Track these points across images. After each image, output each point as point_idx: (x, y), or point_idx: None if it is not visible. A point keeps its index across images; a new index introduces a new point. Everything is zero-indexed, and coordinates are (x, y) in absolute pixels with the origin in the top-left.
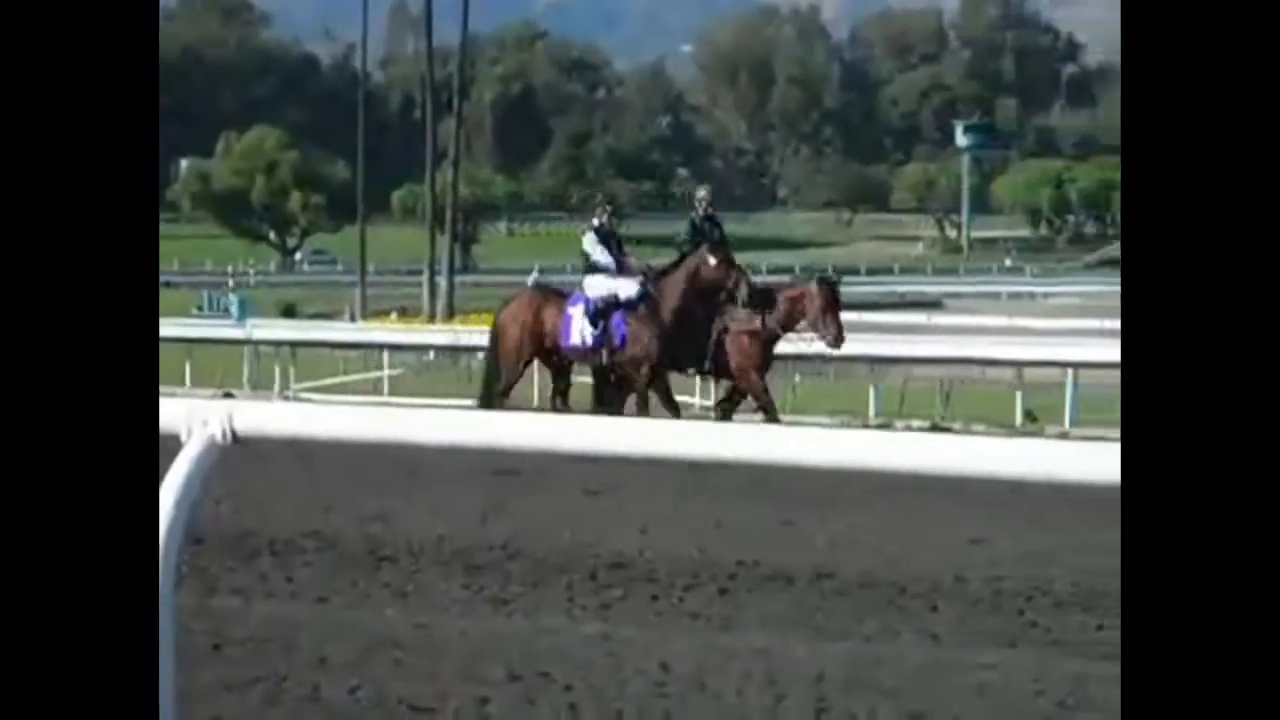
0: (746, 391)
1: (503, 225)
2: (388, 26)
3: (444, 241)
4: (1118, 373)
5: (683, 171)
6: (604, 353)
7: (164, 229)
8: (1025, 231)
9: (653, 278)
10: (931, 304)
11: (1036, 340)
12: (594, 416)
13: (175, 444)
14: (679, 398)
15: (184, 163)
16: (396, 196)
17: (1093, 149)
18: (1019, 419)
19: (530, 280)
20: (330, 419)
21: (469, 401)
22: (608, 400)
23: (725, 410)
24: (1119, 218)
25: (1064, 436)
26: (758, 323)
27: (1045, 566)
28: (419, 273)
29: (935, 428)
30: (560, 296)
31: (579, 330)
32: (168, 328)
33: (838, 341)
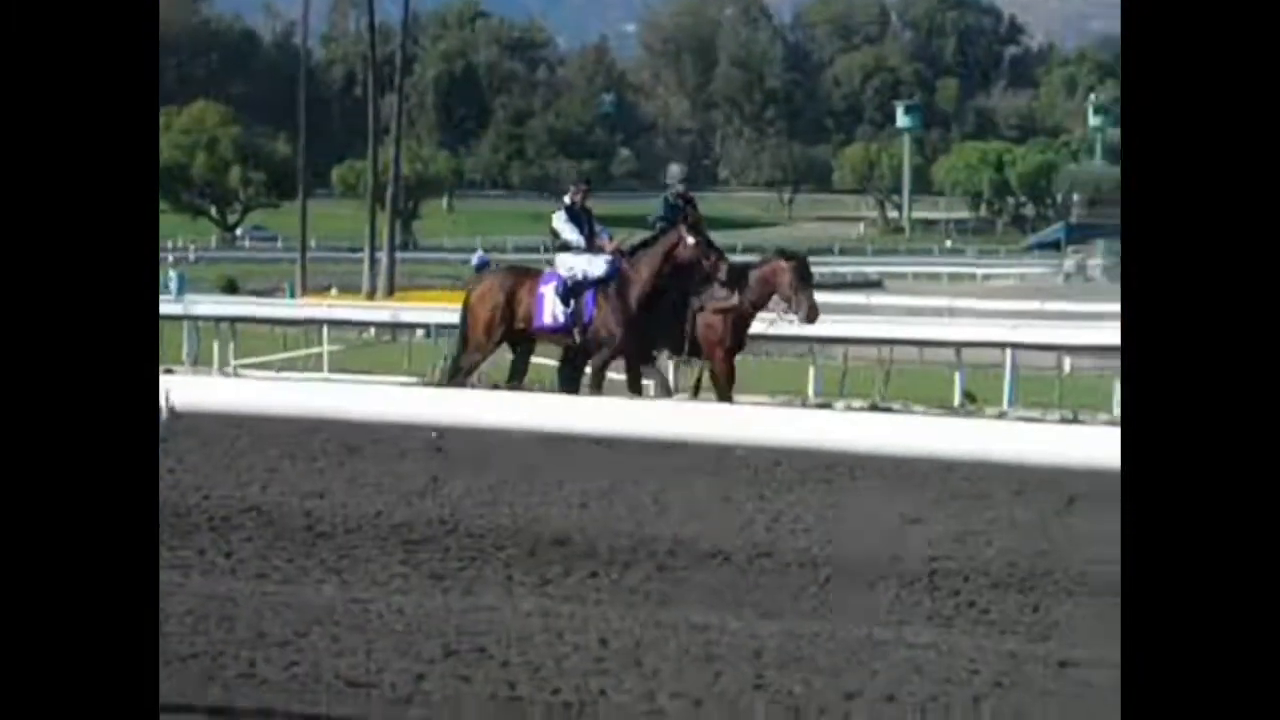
0: (716, 373)
1: (444, 202)
2: (330, 2)
3: (385, 218)
4: (1053, 355)
5: (624, 151)
6: (575, 332)
7: None
8: (965, 213)
9: (625, 254)
10: (872, 284)
11: (976, 321)
12: (544, 395)
13: None
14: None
15: None
16: (337, 173)
17: (1033, 131)
18: (958, 400)
19: (474, 260)
20: (269, 395)
21: (408, 379)
22: (572, 379)
23: (723, 393)
24: (1058, 200)
25: (1002, 417)
26: (733, 302)
27: (982, 547)
28: (359, 250)
29: (875, 408)
30: (532, 276)
31: (550, 309)
32: None
33: (811, 317)
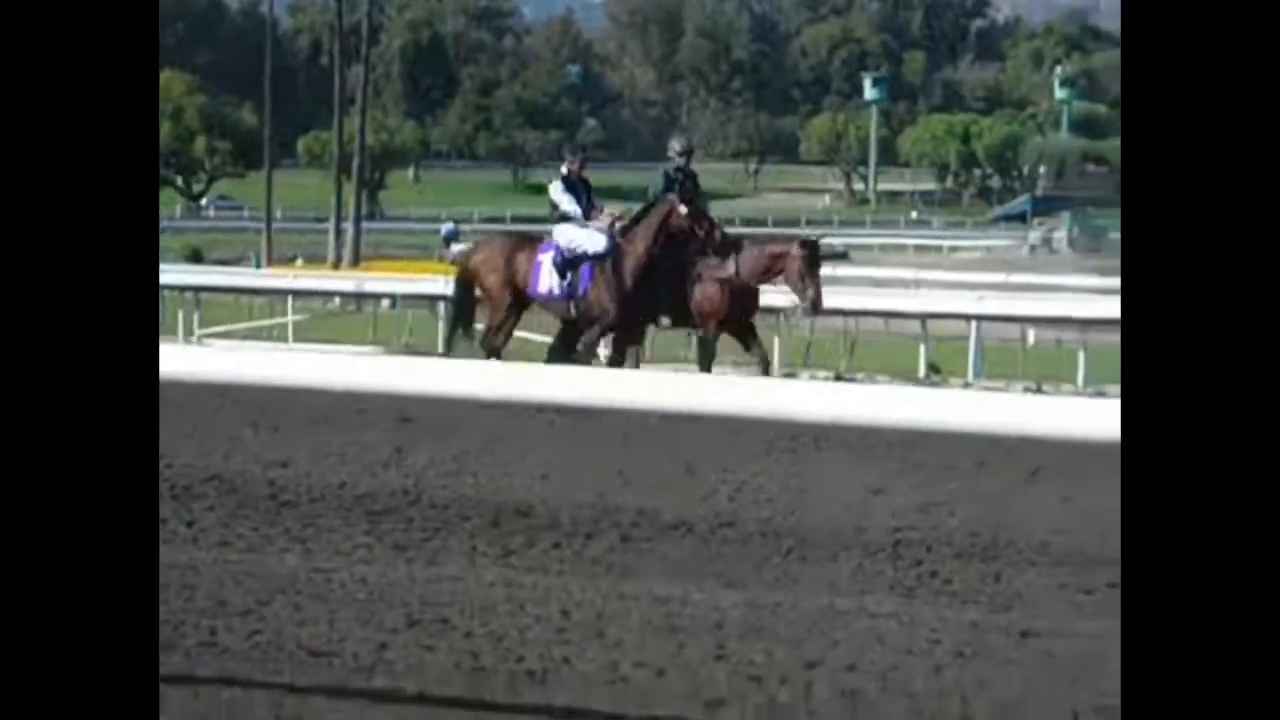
0: (707, 341)
1: (410, 173)
2: None
3: (350, 188)
4: (1018, 327)
5: (591, 121)
6: (570, 304)
7: None
8: (932, 185)
9: (621, 230)
10: (838, 256)
11: (942, 292)
12: (508, 364)
13: None
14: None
15: None
16: (303, 143)
17: (999, 103)
18: (923, 371)
19: (443, 230)
20: (233, 364)
21: (373, 348)
22: (563, 354)
23: (704, 362)
24: (1024, 172)
25: (967, 388)
26: (729, 271)
27: (945, 517)
28: (325, 220)
29: (840, 379)
30: (531, 242)
31: (547, 280)
32: None
33: (816, 306)
